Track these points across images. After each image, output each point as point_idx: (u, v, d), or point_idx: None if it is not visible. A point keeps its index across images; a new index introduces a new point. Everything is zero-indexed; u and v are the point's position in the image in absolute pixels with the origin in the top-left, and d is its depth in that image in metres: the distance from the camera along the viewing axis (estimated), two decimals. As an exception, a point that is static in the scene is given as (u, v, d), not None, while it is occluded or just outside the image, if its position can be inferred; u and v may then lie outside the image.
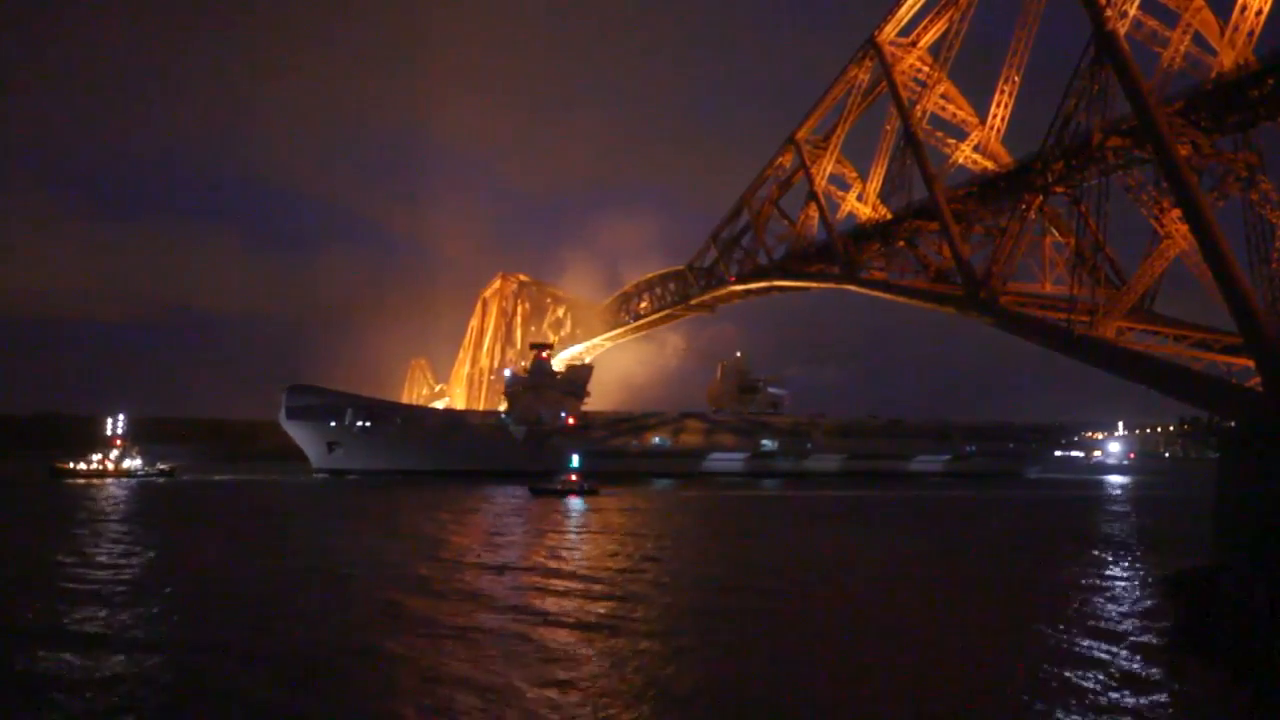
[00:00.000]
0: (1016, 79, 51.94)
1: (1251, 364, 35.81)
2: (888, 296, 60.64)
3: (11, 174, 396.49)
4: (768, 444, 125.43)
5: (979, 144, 55.53)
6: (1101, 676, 20.53)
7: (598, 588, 31.97)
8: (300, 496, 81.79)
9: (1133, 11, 41.27)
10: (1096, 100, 41.35)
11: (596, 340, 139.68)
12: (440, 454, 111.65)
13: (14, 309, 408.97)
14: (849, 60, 63.08)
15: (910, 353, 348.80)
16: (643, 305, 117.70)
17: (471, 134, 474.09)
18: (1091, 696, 19.00)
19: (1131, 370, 42.02)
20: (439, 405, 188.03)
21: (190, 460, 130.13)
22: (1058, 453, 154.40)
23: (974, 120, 56.19)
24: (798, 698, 19.26)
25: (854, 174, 67.25)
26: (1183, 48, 41.45)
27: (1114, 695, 19.14)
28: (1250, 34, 39.63)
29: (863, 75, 63.06)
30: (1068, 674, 20.73)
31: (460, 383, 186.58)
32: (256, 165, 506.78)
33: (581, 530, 52.25)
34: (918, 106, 56.58)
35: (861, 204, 64.63)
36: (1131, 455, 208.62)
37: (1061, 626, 25.92)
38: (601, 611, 27.60)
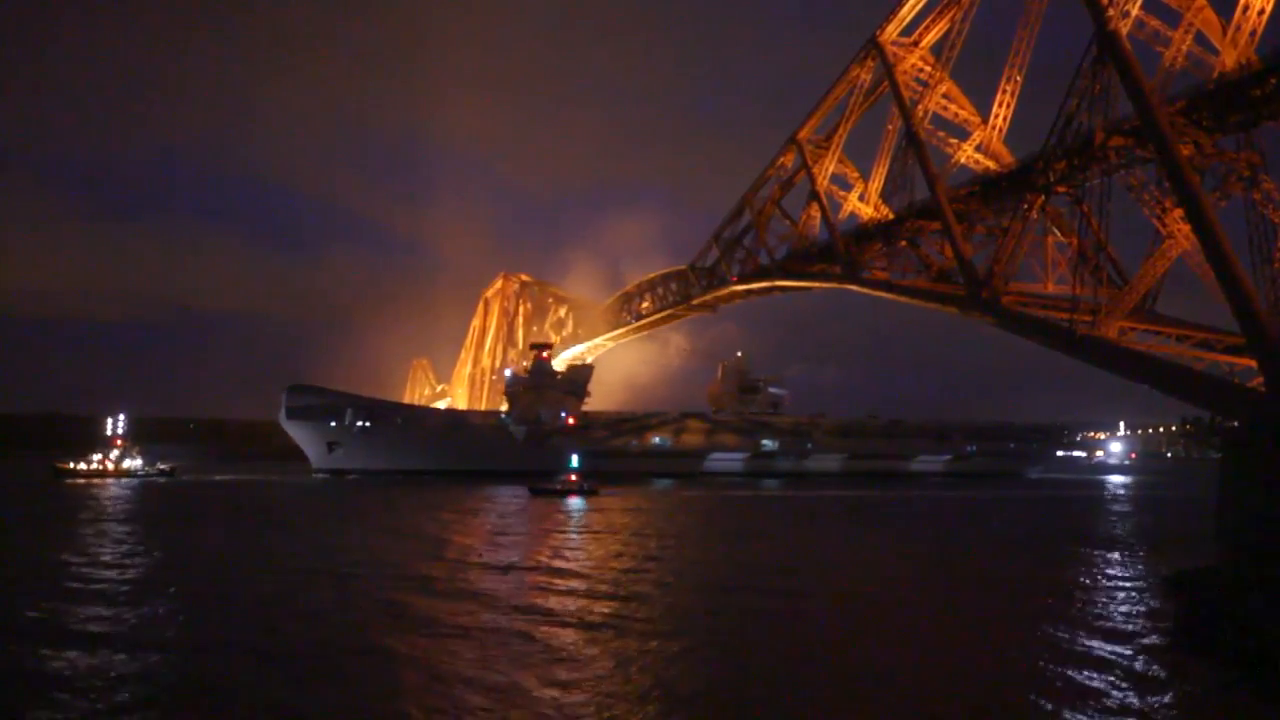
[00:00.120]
0: (1018, 79, 51.99)
1: (1254, 364, 35.83)
2: (890, 296, 60.67)
3: (11, 174, 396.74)
4: (768, 444, 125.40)
5: (981, 144, 55.57)
6: (1104, 676, 20.53)
7: (601, 587, 31.97)
8: (300, 496, 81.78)
9: (1135, 11, 41.31)
10: (1099, 100, 41.39)
11: (598, 340, 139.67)
12: (440, 454, 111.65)
13: (14, 309, 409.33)
14: (851, 60, 63.12)
15: (912, 353, 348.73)
16: (644, 305, 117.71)
17: (473, 133, 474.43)
18: (1094, 696, 19.00)
19: (1133, 370, 42.05)
20: (441, 405, 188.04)
21: (190, 460, 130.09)
22: (1059, 453, 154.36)
23: (976, 120, 56.22)
24: (802, 698, 19.26)
25: (856, 174, 67.28)
26: (1185, 47, 41.47)
27: (1117, 694, 19.14)
28: (1252, 33, 39.65)
29: (865, 75, 63.10)
30: (1071, 673, 20.73)
31: (462, 383, 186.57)
32: (257, 165, 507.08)
33: (584, 530, 52.25)
34: (920, 106, 56.62)
35: (863, 204, 64.64)
36: (1133, 455, 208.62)
37: (1064, 626, 25.91)
38: (605, 611, 27.60)
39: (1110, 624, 26.53)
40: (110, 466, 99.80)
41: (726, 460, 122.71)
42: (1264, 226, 36.18)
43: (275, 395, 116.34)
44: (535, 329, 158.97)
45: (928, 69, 57.69)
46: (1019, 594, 33.08)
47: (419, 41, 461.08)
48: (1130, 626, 26.33)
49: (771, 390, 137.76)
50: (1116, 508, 79.53)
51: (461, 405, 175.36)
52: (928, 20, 57.29)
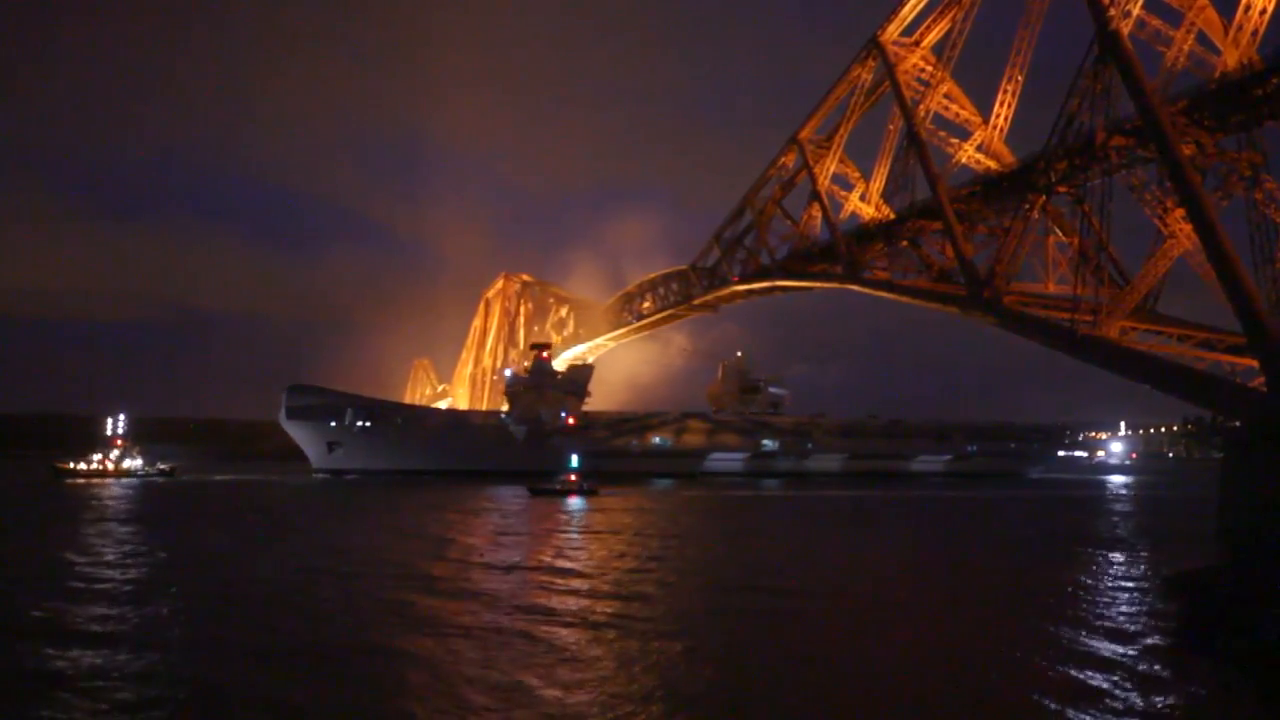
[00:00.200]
0: (1020, 78, 51.96)
1: (1255, 364, 35.79)
2: (891, 296, 60.64)
3: (11, 174, 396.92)
4: (768, 444, 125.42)
5: (982, 144, 55.55)
6: (1106, 675, 20.51)
7: (604, 587, 31.98)
8: (301, 496, 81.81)
9: (1136, 11, 41.29)
10: (1100, 100, 41.36)
11: (599, 340, 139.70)
12: (440, 454, 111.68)
13: (14, 309, 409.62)
14: (852, 60, 63.09)
15: (913, 353, 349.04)
16: (646, 305, 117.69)
17: (474, 133, 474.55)
18: (1096, 695, 18.98)
19: (1135, 370, 42.02)
20: (442, 405, 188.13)
21: (190, 460, 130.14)
22: (1061, 453, 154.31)
23: (977, 120, 56.20)
24: (806, 698, 19.26)
25: (857, 174, 67.25)
26: (1186, 47, 41.43)
27: (1118, 694, 19.12)
28: (1254, 33, 39.62)
29: (866, 75, 63.08)
30: (1073, 673, 20.72)
31: (463, 383, 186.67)
32: (257, 165, 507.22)
33: (586, 530, 52.24)
34: (921, 106, 56.59)
35: (864, 204, 64.62)
36: (1134, 455, 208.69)
37: (1065, 626, 25.90)
38: (610, 611, 27.59)
39: (1112, 624, 26.50)
40: (110, 466, 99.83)
41: (727, 460, 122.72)
42: (1265, 226, 36.16)
43: (275, 395, 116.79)
44: (536, 329, 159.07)
45: (929, 69, 57.66)
46: (1020, 593, 33.06)
47: (420, 41, 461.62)
48: (1132, 626, 26.30)
49: (772, 390, 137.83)
50: (1117, 508, 79.52)
51: (463, 405, 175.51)
52: (929, 20, 57.27)
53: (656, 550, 42.62)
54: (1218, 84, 38.87)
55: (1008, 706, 18.86)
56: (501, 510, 65.24)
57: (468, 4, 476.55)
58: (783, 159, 74.96)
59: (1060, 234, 52.02)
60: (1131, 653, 22.88)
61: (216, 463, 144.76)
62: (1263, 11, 39.37)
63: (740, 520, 63.47)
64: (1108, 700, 18.67)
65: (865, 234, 64.77)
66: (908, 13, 57.55)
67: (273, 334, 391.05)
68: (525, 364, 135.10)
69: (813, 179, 68.87)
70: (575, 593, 30.75)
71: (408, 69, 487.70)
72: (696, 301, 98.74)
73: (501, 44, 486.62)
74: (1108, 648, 23.31)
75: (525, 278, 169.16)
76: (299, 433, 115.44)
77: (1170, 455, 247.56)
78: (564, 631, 24.60)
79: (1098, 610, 28.76)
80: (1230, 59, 40.21)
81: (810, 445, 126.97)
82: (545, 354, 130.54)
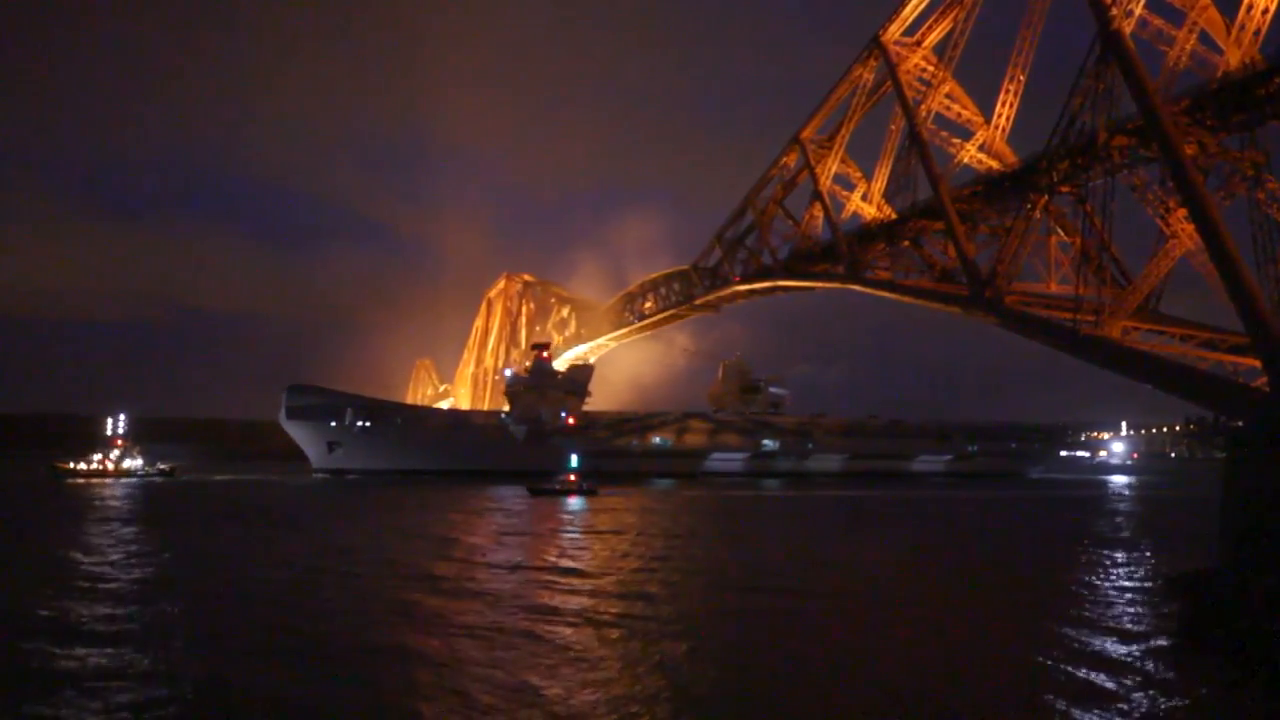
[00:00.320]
0: (1022, 78, 51.85)
1: (1258, 364, 35.72)
2: (893, 296, 60.54)
3: (11, 174, 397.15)
4: (769, 444, 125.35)
5: (984, 143, 55.44)
6: (1108, 675, 20.55)
7: (609, 587, 32.01)
8: (302, 496, 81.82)
9: (1138, 10, 41.21)
10: (1102, 99, 41.27)
11: (601, 340, 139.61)
12: (441, 454, 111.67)
13: (14, 309, 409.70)
14: (853, 60, 63.00)
15: (914, 353, 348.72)
16: (647, 305, 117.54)
17: (475, 133, 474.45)
18: (1098, 695, 19.02)
19: (1137, 370, 41.93)
20: (444, 405, 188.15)
21: (190, 460, 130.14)
22: (1063, 452, 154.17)
23: (979, 120, 56.10)
24: (812, 698, 19.26)
25: (859, 174, 67.09)
26: (1189, 46, 41.35)
27: (1121, 694, 19.15)
28: (1257, 33, 39.53)
29: (867, 75, 62.96)
30: (1075, 672, 20.78)
31: (465, 383, 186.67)
32: (259, 165, 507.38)
33: (589, 530, 52.19)
34: (922, 106, 56.49)
35: (866, 204, 64.51)
36: (1135, 455, 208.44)
37: (1068, 625, 25.93)
38: (615, 611, 27.61)
39: (1114, 624, 26.52)
40: (110, 466, 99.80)
41: (727, 460, 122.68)
42: (1268, 226, 36.03)
43: (276, 395, 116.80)
44: (538, 329, 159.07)
45: (930, 69, 57.57)
46: (1022, 593, 33.08)
47: (421, 41, 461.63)
48: (1134, 626, 26.32)
49: (772, 390, 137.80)
50: (1119, 507, 79.48)
51: (464, 405, 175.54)
52: (930, 20, 57.16)
53: (659, 550, 42.62)
54: (1220, 83, 38.77)
55: (1010, 706, 18.84)
56: (503, 510, 65.24)
57: (469, 4, 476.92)
58: (784, 159, 74.84)
59: (1062, 234, 51.91)
60: (1134, 653, 22.90)
61: (216, 463, 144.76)
62: (1265, 11, 39.28)
63: (742, 520, 63.48)
64: (1110, 700, 18.67)
65: (867, 234, 64.64)
66: (909, 13, 57.45)
67: (273, 334, 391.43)
68: (526, 364, 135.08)
69: (814, 179, 68.74)
70: (579, 592, 30.77)
71: (409, 69, 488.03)
72: (698, 301, 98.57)
73: (503, 44, 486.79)
74: (1110, 647, 23.33)
75: (527, 278, 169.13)
76: (299, 433, 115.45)
77: (1172, 455, 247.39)
78: (569, 631, 24.61)
79: (1100, 609, 28.78)
80: (1233, 58, 40.14)
81: (811, 445, 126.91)
82: (545, 354, 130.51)
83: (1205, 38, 41.95)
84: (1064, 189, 46.17)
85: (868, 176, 64.94)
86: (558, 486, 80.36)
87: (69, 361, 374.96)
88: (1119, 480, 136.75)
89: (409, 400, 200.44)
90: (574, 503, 71.56)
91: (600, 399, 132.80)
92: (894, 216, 60.88)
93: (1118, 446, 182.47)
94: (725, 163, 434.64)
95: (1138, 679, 20.37)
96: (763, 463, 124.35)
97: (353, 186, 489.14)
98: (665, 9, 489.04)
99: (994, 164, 54.47)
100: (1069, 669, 21.14)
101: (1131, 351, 42.30)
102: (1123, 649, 23.21)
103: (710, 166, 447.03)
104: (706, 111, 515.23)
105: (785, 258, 76.50)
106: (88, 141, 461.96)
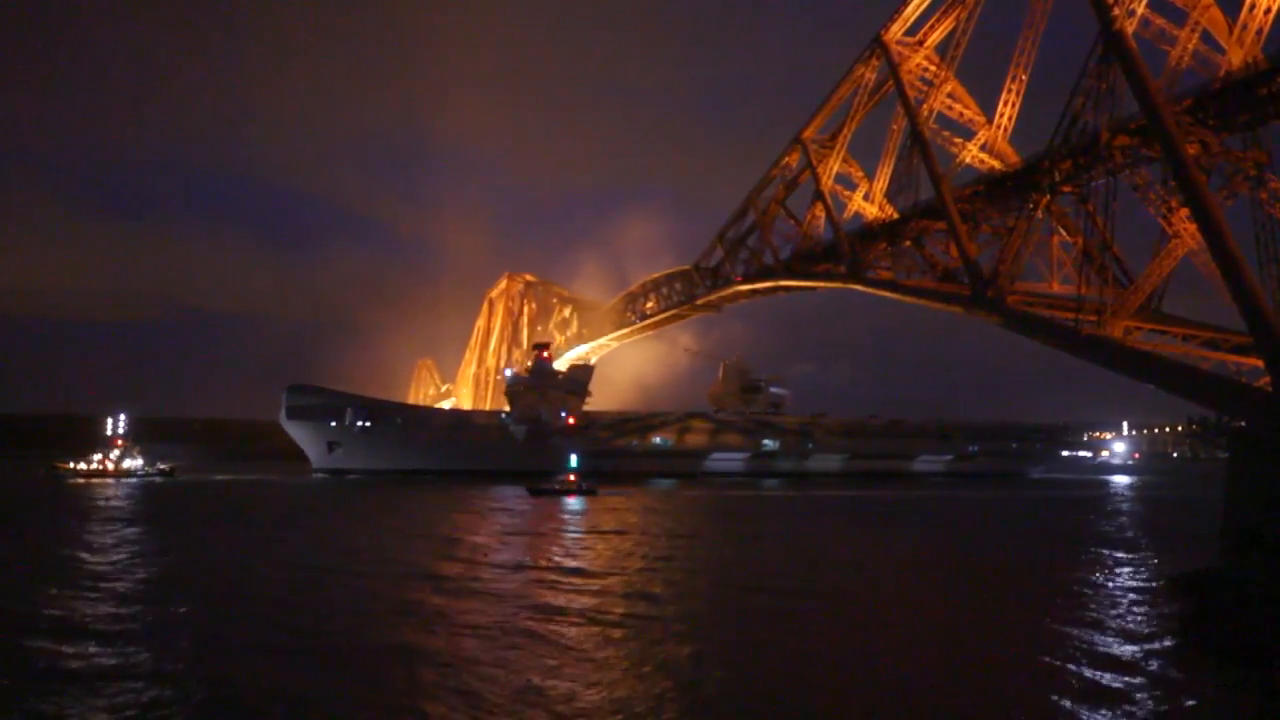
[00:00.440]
0: (1024, 78, 51.92)
1: (1260, 363, 35.73)
2: (894, 296, 60.57)
3: (12, 174, 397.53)
4: (769, 444, 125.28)
5: (986, 143, 55.50)
6: (1110, 675, 20.52)
7: (614, 586, 31.97)
8: (303, 496, 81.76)
9: (1140, 10, 41.25)
10: (1104, 99, 41.35)
11: (603, 340, 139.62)
12: (441, 454, 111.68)
13: (14, 309, 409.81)
14: (856, 60, 63.02)
15: (916, 353, 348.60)
16: (649, 305, 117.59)
17: (476, 133, 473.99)
18: (1101, 695, 19.00)
19: (1139, 370, 41.97)
20: (446, 405, 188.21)
21: (190, 460, 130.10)
22: (1065, 452, 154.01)
23: (981, 119, 56.15)
24: (816, 699, 19.23)
25: (860, 174, 67.15)
26: (1191, 46, 41.39)
27: (1123, 694, 19.13)
28: (1259, 32, 39.59)
29: (869, 74, 63.00)
30: (1077, 672, 20.75)
31: (466, 383, 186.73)
32: (259, 165, 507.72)
33: (593, 530, 52.13)
34: (924, 106, 56.54)
35: (868, 204, 64.56)
36: (1136, 455, 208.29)
37: (1070, 625, 25.88)
38: (621, 611, 27.57)
39: (1116, 624, 26.46)
40: (110, 466, 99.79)
41: (727, 460, 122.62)
42: (1270, 225, 36.10)
43: (276, 395, 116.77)
44: (540, 329, 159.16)
45: (932, 68, 57.63)
46: (1024, 593, 33.03)
47: (422, 41, 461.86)
48: (1136, 626, 26.27)
49: (773, 390, 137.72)
50: (1119, 507, 79.41)
51: (466, 405, 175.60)
52: (932, 20, 57.23)
53: (662, 550, 42.58)
54: (1222, 83, 38.83)
55: (1012, 706, 18.81)
56: (504, 510, 65.20)
57: (469, 4, 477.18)
58: (786, 159, 74.89)
59: (1064, 234, 51.95)
60: (1136, 652, 22.85)
61: (216, 463, 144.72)
62: (1267, 11, 39.33)
63: (743, 520, 63.41)
64: (1112, 700, 18.64)
65: (869, 234, 64.73)
66: (911, 12, 57.53)
67: (273, 334, 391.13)
68: (527, 364, 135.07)
69: (816, 179, 68.78)
70: (584, 592, 30.74)
71: (410, 69, 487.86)
72: (700, 301, 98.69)
73: (503, 44, 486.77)
74: (1112, 647, 23.29)
75: (528, 278, 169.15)
76: (299, 433, 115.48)
77: (1174, 455, 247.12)
78: (574, 631, 24.59)
79: (1102, 610, 28.72)
80: (1235, 58, 40.19)
81: (811, 445, 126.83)
82: (546, 354, 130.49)
83: (1207, 37, 42.01)
84: (1066, 189, 46.23)
85: (869, 176, 65.01)
86: (557, 486, 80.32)
87: (69, 361, 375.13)
88: (1120, 480, 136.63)
89: (411, 400, 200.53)
90: (573, 503, 71.50)
91: (603, 399, 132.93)
92: (896, 216, 60.95)
93: (1119, 447, 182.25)
94: (727, 162, 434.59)
95: (1140, 679, 20.34)
96: (763, 463, 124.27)
97: (353, 186, 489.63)
98: (666, 9, 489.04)
99: (996, 164, 54.52)
100: (1070, 668, 21.11)
101: (1133, 351, 42.33)
102: (1125, 649, 23.17)
103: (712, 166, 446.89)
104: (708, 111, 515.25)
105: (787, 258, 76.58)
106: (88, 141, 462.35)
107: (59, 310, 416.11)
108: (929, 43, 57.96)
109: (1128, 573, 37.70)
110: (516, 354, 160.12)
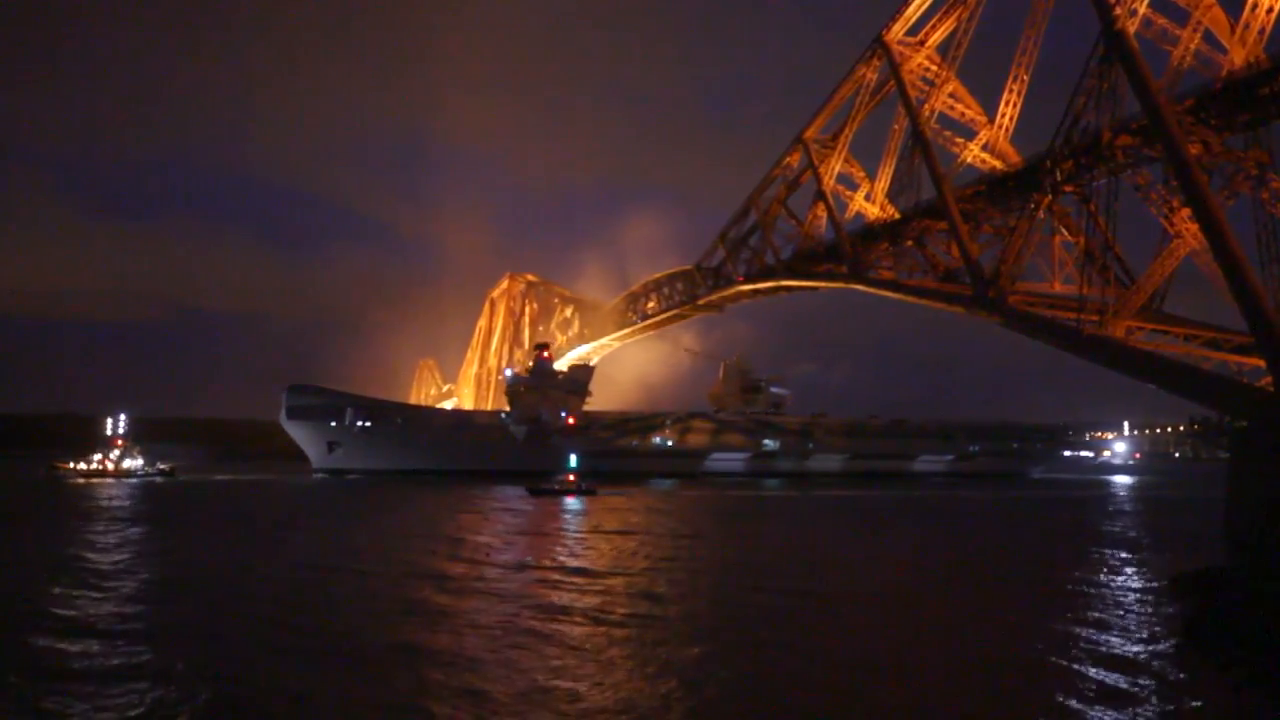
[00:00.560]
0: (1025, 78, 51.85)
1: (1262, 363, 35.69)
2: (896, 296, 60.50)
3: (12, 174, 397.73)
4: (769, 444, 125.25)
5: (987, 143, 55.43)
6: (1112, 675, 20.59)
7: (618, 586, 32.02)
8: (304, 496, 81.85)
9: (1142, 10, 41.17)
10: (1106, 99, 41.27)
11: (604, 340, 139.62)
12: (441, 454, 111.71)
13: (14, 309, 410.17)
14: (857, 60, 62.97)
15: (917, 353, 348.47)
16: (650, 305, 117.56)
17: (477, 133, 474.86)
18: (1103, 695, 19.07)
19: (1141, 370, 41.91)
20: (447, 405, 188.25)
21: (190, 460, 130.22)
22: (1066, 452, 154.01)
23: (982, 119, 56.08)
24: (824, 698, 19.27)
25: (862, 173, 67.08)
26: (1193, 46, 41.32)
27: (1125, 694, 19.22)
28: (1261, 32, 39.53)
29: (871, 74, 62.92)
30: (1079, 672, 20.80)
31: (468, 383, 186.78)
32: (260, 165, 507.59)
33: (596, 530, 52.14)
34: (926, 106, 56.48)
35: (869, 204, 64.51)
36: (1138, 455, 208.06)
37: (1072, 625, 25.93)
38: (624, 611, 27.61)
39: (1117, 624, 26.51)
40: (110, 466, 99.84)
41: (727, 460, 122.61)
42: (1272, 225, 36.03)
43: (276, 395, 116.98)
44: (541, 329, 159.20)
45: (934, 68, 57.57)
46: (1026, 593, 33.05)
47: (425, 40, 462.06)
48: (1139, 626, 26.32)
49: (774, 390, 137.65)
50: (1120, 508, 79.41)
51: (468, 405, 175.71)
52: (934, 19, 57.15)
53: (665, 550, 42.63)
54: (1224, 83, 38.76)
55: (1014, 705, 18.85)
56: (505, 510, 65.24)
57: (470, 4, 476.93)
58: (788, 159, 74.82)
59: (1066, 233, 51.85)
60: (1138, 652, 22.88)
61: (216, 463, 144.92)
62: (1270, 10, 39.27)
63: (744, 520, 63.46)
64: (1114, 700, 18.68)
65: (870, 234, 64.65)
66: (913, 12, 57.46)
67: (273, 334, 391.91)
68: (528, 364, 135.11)
69: (818, 179, 68.71)
70: (588, 592, 30.79)
71: (411, 69, 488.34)
72: (701, 301, 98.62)
73: (505, 44, 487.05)
74: (1113, 647, 23.33)
75: (530, 278, 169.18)
76: (299, 433, 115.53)
77: (1176, 456, 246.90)
78: (579, 630, 24.64)
79: (1103, 610, 28.76)
80: (1237, 58, 40.14)
81: (812, 445, 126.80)
82: (546, 354, 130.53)
83: (1209, 37, 41.94)
84: (1068, 188, 46.15)
85: (871, 176, 64.94)
86: (557, 486, 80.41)
87: (69, 361, 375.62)
88: (1122, 481, 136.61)
89: (413, 400, 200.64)
90: (572, 502, 71.56)
91: (605, 399, 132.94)
92: (897, 216, 60.88)
93: (1120, 447, 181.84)
94: (729, 161, 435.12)
95: (1143, 679, 20.37)
96: (764, 463, 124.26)
97: (354, 186, 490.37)
98: (666, 9, 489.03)
99: (997, 164, 54.46)
100: (1072, 668, 21.15)
101: (1135, 351, 42.27)
102: (1128, 649, 23.21)
103: (714, 165, 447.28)
104: (709, 110, 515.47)
105: (788, 258, 76.51)
106: (88, 141, 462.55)
107: (59, 310, 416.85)
108: (930, 43, 57.89)
109: (1130, 573, 37.74)
110: (518, 354, 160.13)
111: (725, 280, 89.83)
